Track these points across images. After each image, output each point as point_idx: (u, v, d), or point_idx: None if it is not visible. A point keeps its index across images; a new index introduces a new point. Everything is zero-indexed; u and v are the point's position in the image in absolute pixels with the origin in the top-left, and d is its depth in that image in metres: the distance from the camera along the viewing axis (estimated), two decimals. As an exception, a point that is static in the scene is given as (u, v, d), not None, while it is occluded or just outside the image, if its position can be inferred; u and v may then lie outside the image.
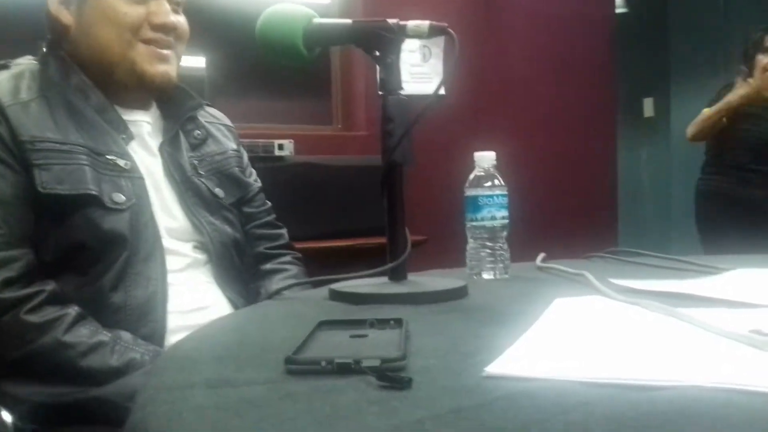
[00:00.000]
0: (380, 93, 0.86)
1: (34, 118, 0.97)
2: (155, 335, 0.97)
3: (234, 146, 1.27)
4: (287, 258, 1.28)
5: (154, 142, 1.12)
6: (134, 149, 1.07)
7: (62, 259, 0.96)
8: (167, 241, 1.05)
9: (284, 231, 1.34)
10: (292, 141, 2.69)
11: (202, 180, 1.15)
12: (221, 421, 0.38)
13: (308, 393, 0.43)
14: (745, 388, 0.41)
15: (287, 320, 0.72)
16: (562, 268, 1.03)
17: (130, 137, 1.07)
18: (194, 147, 1.18)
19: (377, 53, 0.84)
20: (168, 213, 1.09)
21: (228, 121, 1.33)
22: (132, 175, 1.02)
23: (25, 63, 1.05)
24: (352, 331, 0.58)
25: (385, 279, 0.88)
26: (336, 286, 0.86)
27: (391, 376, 0.44)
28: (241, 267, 1.18)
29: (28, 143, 0.94)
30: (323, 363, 0.48)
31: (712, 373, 0.45)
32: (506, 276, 1.02)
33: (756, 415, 0.37)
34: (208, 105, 1.29)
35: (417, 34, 0.84)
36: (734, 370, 0.46)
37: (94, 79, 1.05)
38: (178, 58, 1.13)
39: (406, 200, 0.87)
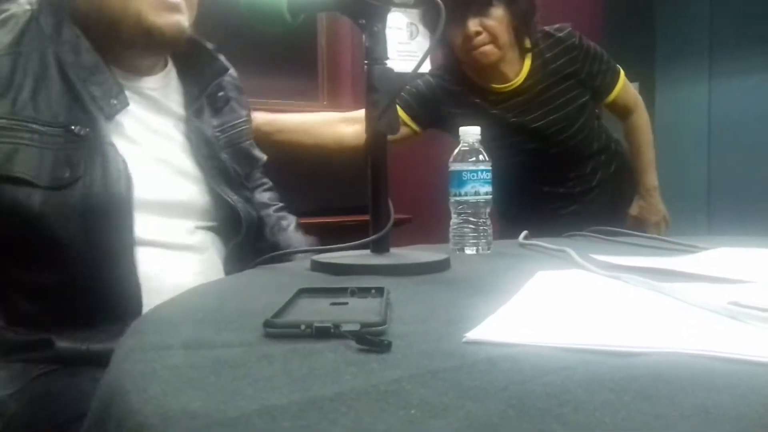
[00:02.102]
0: (365, 62, 0.85)
1: None
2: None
3: (244, 115, 1.18)
4: (284, 212, 1.26)
5: (171, 109, 1.03)
6: (137, 116, 0.97)
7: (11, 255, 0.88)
8: (166, 220, 0.97)
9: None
10: (276, 117, 2.66)
11: (226, 156, 1.09)
12: (196, 379, 0.38)
13: (285, 355, 0.42)
14: (723, 354, 0.41)
15: (268, 288, 0.71)
16: (544, 244, 1.03)
17: (123, 104, 0.95)
18: (217, 112, 1.11)
19: (363, 21, 0.83)
20: (184, 188, 1.01)
21: (238, 80, 1.22)
22: (93, 144, 0.90)
23: (19, 9, 0.93)
24: (332, 299, 0.58)
25: (367, 252, 0.87)
26: (318, 257, 0.85)
27: (371, 340, 0.44)
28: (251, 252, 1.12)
29: None
30: (302, 327, 0.47)
31: (690, 340, 0.45)
32: (488, 252, 1.02)
33: (733, 380, 0.37)
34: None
35: (403, 3, 0.83)
36: (712, 338, 0.46)
37: (95, 40, 0.94)
38: (191, 8, 1.02)
39: (391, 179, 0.86)
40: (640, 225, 1.78)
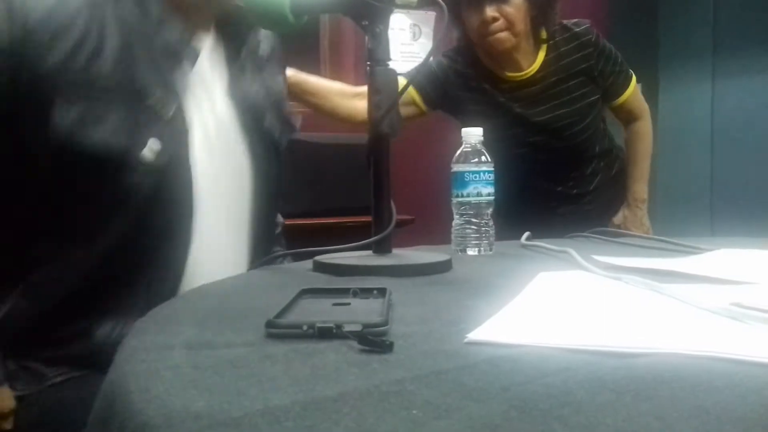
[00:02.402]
0: (368, 64, 0.85)
1: (77, 36, 0.78)
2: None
3: (284, 78, 1.13)
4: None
5: (217, 74, 0.96)
6: (191, 87, 0.90)
7: (61, 226, 0.83)
8: (218, 199, 0.91)
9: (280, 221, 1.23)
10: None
11: (270, 126, 1.01)
12: (199, 379, 0.38)
13: (288, 355, 0.43)
14: (724, 355, 0.41)
15: (270, 288, 0.71)
16: (546, 245, 1.03)
17: (195, 56, 0.88)
18: (260, 68, 1.03)
19: (365, 22, 0.83)
20: (228, 165, 0.95)
21: (277, 44, 1.12)
22: (174, 126, 0.85)
23: None
24: (334, 299, 0.58)
25: (369, 252, 0.87)
26: (320, 257, 0.86)
27: (373, 340, 0.44)
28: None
29: (57, 69, 0.76)
30: (304, 327, 0.47)
31: (691, 341, 0.45)
32: (491, 252, 1.02)
33: (734, 381, 0.37)
34: None
35: (406, 4, 0.83)
36: (714, 339, 0.47)
37: None
38: None
39: (393, 180, 0.87)
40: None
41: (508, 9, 1.53)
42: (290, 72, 1.49)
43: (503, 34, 1.55)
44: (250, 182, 1.00)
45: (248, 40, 1.01)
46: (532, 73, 1.64)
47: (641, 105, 1.80)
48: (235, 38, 1.00)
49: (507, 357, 0.42)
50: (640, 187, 1.80)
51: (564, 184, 1.73)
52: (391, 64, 0.85)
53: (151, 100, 0.83)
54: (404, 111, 1.62)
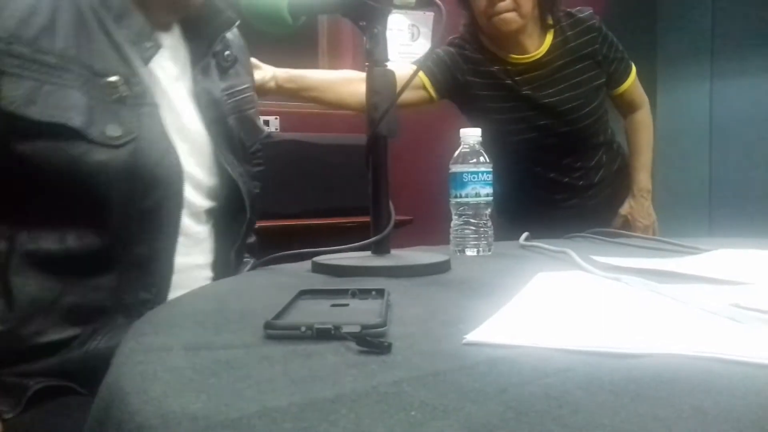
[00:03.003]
0: (366, 64, 0.85)
1: (24, 12, 0.79)
2: (156, 299, 0.86)
3: (250, 81, 1.13)
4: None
5: (179, 69, 0.97)
6: (155, 71, 0.91)
7: (32, 206, 0.82)
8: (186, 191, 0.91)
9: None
10: (278, 117, 2.67)
11: (232, 122, 1.02)
12: (197, 380, 0.38)
13: (286, 356, 0.43)
14: (724, 356, 0.41)
15: (269, 290, 0.71)
16: (544, 245, 1.03)
17: (157, 46, 0.89)
18: (224, 72, 1.04)
19: (363, 23, 0.83)
20: (191, 159, 0.94)
21: (242, 39, 1.15)
22: (139, 102, 0.85)
23: None
24: (333, 300, 0.58)
25: (368, 253, 0.87)
26: (319, 258, 0.86)
27: (371, 341, 0.44)
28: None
29: (3, 41, 0.77)
30: (303, 328, 0.47)
31: (691, 342, 0.45)
32: (489, 253, 1.02)
33: (733, 382, 0.37)
34: None
35: (404, 5, 0.83)
36: (713, 340, 0.46)
37: None
38: None
39: (392, 180, 0.87)
40: (627, 226, 1.78)
41: None
42: (283, 71, 1.48)
43: (510, 15, 1.56)
44: (212, 185, 1.00)
45: (214, 42, 1.01)
46: (540, 55, 1.64)
47: (641, 95, 1.81)
48: (200, 39, 1.00)
49: (505, 358, 0.42)
50: (644, 177, 1.80)
51: (570, 174, 1.73)
52: (389, 65, 0.85)
53: (113, 81, 0.83)
54: (413, 95, 1.62)
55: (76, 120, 0.79)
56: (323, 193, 2.42)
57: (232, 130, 1.02)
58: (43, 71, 0.79)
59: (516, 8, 1.55)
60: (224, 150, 0.99)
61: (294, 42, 2.93)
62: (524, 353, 0.43)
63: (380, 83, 0.83)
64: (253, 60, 1.35)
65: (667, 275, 0.73)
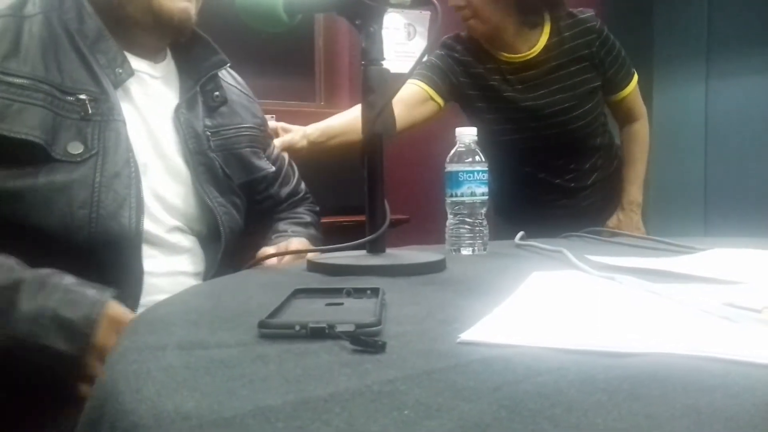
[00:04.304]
0: (362, 63, 0.85)
1: None
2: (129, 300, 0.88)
3: (250, 121, 1.17)
4: (301, 208, 1.24)
5: (167, 100, 1.02)
6: (135, 96, 0.97)
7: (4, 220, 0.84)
8: (157, 214, 0.97)
9: (305, 199, 1.29)
10: (274, 116, 2.66)
11: (214, 155, 1.06)
12: (190, 379, 0.38)
13: (280, 355, 0.42)
14: (718, 355, 0.41)
15: (264, 288, 0.71)
16: (540, 245, 1.03)
17: (129, 73, 0.95)
18: (211, 111, 1.08)
19: (359, 21, 0.83)
20: (170, 187, 1.00)
21: (249, 90, 1.22)
22: (105, 119, 0.90)
23: None
24: (328, 299, 0.58)
25: (363, 252, 0.87)
26: (314, 257, 0.85)
27: (365, 340, 0.44)
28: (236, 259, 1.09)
29: None
30: (297, 327, 0.47)
31: (685, 342, 0.45)
32: (485, 252, 1.02)
33: (726, 381, 0.37)
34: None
35: (400, 3, 0.83)
36: (707, 339, 0.47)
37: (100, 12, 0.95)
38: None
39: (387, 179, 0.87)
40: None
41: None
42: (312, 127, 1.49)
43: (471, 22, 1.58)
44: (191, 212, 1.03)
45: (201, 79, 1.06)
46: (533, 55, 1.63)
47: (641, 107, 1.78)
48: (190, 74, 1.06)
49: (499, 357, 0.42)
50: (635, 190, 1.78)
51: (562, 177, 1.73)
52: (386, 64, 0.85)
53: (81, 98, 0.88)
54: (424, 110, 1.62)
55: (38, 137, 0.84)
56: (319, 191, 2.42)
57: (213, 162, 1.05)
58: (12, 91, 0.84)
59: (474, 15, 1.56)
60: (203, 180, 1.03)
61: (290, 41, 2.93)
62: (518, 352, 0.43)
63: (376, 82, 0.83)
64: (283, 124, 1.43)
65: (661, 275, 0.73)
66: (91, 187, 0.87)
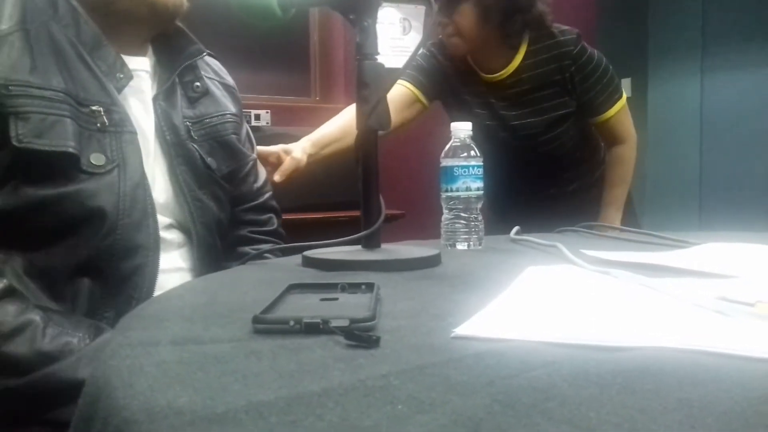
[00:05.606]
0: (357, 58, 0.84)
1: (11, 57, 0.84)
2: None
3: (233, 110, 1.16)
4: (266, 246, 1.17)
5: (149, 93, 1.01)
6: (128, 98, 0.97)
7: (33, 227, 0.85)
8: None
9: (273, 216, 1.25)
10: (269, 112, 2.66)
11: (195, 146, 1.04)
12: (184, 374, 0.37)
13: (274, 351, 0.42)
14: (711, 349, 0.41)
15: (258, 284, 0.71)
16: (535, 240, 1.03)
17: (128, 77, 0.95)
18: (191, 102, 1.07)
19: (353, 16, 0.83)
20: (158, 183, 0.99)
21: (231, 80, 1.21)
22: (120, 129, 0.91)
23: None
24: (322, 295, 0.58)
25: (358, 247, 0.87)
26: (309, 252, 0.85)
27: (359, 335, 0.44)
28: (220, 252, 1.09)
29: (2, 87, 0.82)
30: (291, 322, 0.47)
31: (677, 335, 0.45)
32: (480, 247, 1.02)
33: (719, 374, 0.37)
34: (210, 55, 1.16)
35: (394, -2, 0.83)
36: (699, 333, 0.47)
37: (93, 11, 0.94)
38: None
39: (382, 174, 0.86)
40: None
41: (456, 16, 1.54)
42: (305, 140, 1.49)
43: (453, 40, 1.57)
44: (173, 208, 1.03)
45: (178, 69, 1.05)
46: (504, 76, 1.62)
47: (627, 130, 1.71)
48: (168, 65, 1.05)
49: (493, 351, 0.42)
50: (612, 212, 1.72)
51: (535, 186, 1.74)
52: (380, 58, 0.85)
53: (95, 110, 0.89)
54: (411, 111, 1.63)
55: (73, 147, 0.85)
56: (314, 187, 2.41)
57: (192, 153, 1.04)
58: (44, 105, 0.84)
59: (458, 33, 1.55)
60: (181, 172, 1.02)
61: (285, 36, 2.92)
62: (512, 346, 0.43)
63: (370, 76, 0.83)
64: (282, 146, 1.41)
65: (655, 269, 0.74)
66: (117, 196, 0.89)
